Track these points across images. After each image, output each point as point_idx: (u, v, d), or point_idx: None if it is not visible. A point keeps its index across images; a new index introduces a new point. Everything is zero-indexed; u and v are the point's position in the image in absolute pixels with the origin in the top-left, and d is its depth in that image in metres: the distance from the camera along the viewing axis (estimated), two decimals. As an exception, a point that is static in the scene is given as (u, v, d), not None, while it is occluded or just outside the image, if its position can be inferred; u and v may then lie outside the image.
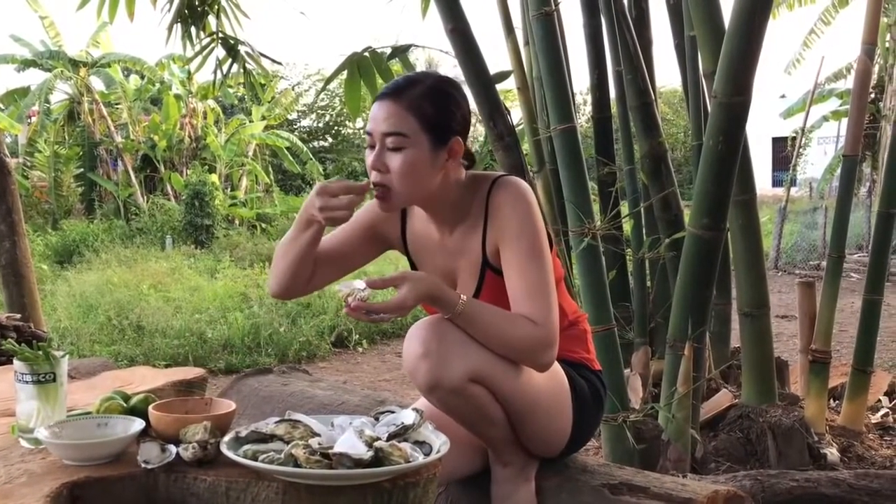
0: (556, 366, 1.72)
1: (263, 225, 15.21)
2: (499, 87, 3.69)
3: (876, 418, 3.69)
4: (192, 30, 4.11)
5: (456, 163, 1.68)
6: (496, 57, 3.94)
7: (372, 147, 1.64)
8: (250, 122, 16.81)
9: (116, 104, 16.38)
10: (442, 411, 1.62)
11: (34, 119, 15.84)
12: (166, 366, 5.58)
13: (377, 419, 1.47)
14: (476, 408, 1.60)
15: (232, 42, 4.15)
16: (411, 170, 1.61)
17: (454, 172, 1.69)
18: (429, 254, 1.79)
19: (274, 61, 4.55)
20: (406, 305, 1.50)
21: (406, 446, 1.34)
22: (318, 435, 1.38)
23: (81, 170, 15.90)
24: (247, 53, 4.23)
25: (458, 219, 1.72)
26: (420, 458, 1.32)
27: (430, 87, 1.64)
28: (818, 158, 19.26)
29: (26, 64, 15.61)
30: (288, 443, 1.36)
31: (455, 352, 1.53)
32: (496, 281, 1.68)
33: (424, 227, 1.78)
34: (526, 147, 3.99)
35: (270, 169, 18.06)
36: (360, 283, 1.47)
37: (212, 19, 4.16)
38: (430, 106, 1.62)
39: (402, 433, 1.39)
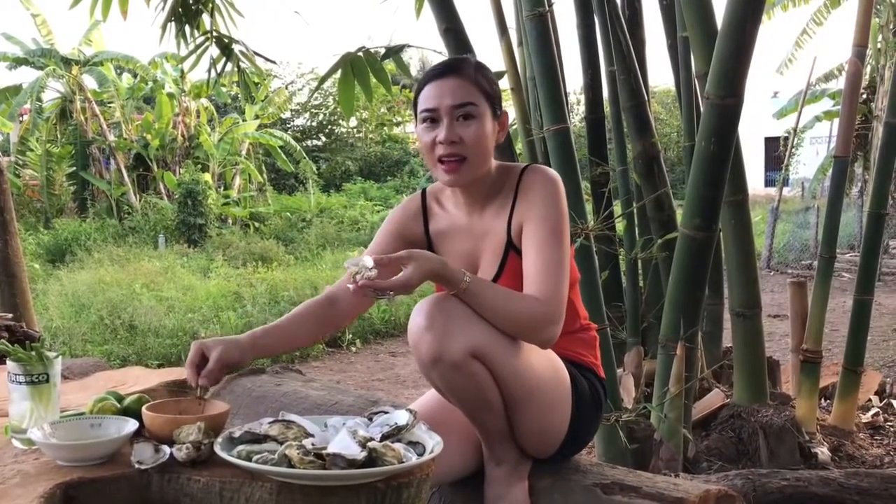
0: (560, 362, 1.73)
1: (257, 224, 15.20)
2: (492, 87, 3.69)
3: (866, 418, 3.72)
4: (186, 28, 4.10)
5: (503, 137, 1.76)
6: (490, 57, 3.94)
7: (432, 122, 1.69)
8: (244, 120, 16.79)
9: (109, 103, 16.33)
10: (442, 390, 1.64)
11: (26, 117, 15.79)
12: (159, 365, 5.58)
13: (371, 420, 1.47)
14: (475, 387, 1.60)
15: (226, 41, 4.14)
16: (484, 137, 1.69)
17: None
18: (453, 239, 1.82)
19: (268, 60, 4.55)
20: (411, 283, 1.51)
21: (399, 447, 1.34)
22: (312, 435, 1.39)
23: (74, 168, 15.86)
24: (241, 52, 4.22)
25: (488, 200, 1.77)
26: (413, 459, 1.33)
27: (478, 65, 1.74)
28: (810, 158, 19.33)
29: (18, 62, 15.55)
30: (282, 443, 1.36)
31: (459, 326, 1.55)
32: (518, 263, 1.71)
33: (450, 214, 1.83)
34: (519, 147, 4.00)
35: (264, 168, 18.05)
36: (368, 261, 1.50)
37: (206, 18, 4.15)
38: (485, 79, 1.72)
39: (395, 434, 1.39)
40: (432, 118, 1.69)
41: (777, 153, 18.16)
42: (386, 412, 1.49)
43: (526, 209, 1.71)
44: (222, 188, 16.55)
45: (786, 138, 15.03)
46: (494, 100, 1.72)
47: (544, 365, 1.68)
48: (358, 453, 1.28)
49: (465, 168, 1.69)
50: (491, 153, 1.73)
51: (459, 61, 1.75)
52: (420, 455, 1.36)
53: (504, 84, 4.00)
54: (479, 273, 1.76)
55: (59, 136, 16.44)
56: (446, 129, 1.67)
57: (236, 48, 4.21)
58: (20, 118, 15.81)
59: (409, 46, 3.70)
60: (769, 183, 21.73)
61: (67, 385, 2.02)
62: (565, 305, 1.64)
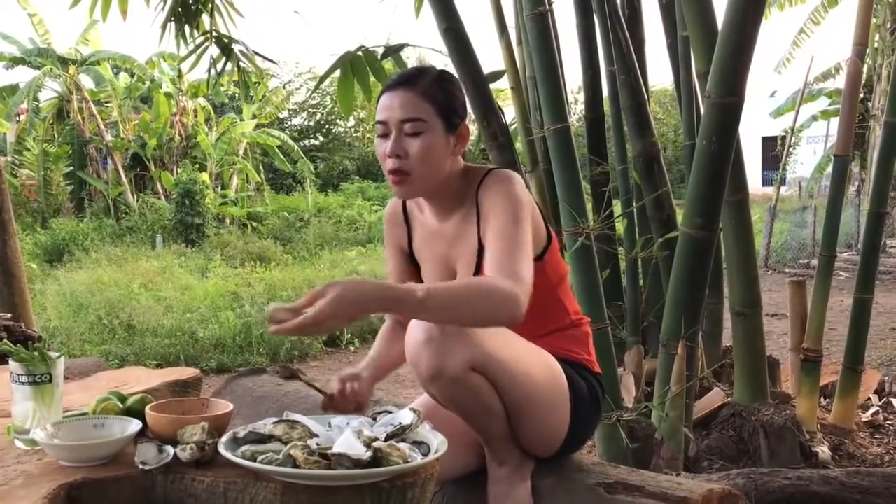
0: (555, 363, 1.73)
1: (254, 223, 15.19)
2: (491, 86, 3.70)
3: (866, 416, 3.72)
4: (186, 28, 4.10)
5: (462, 149, 1.73)
6: (489, 56, 3.94)
7: (384, 136, 1.67)
8: (241, 120, 16.77)
9: (106, 102, 16.30)
10: (442, 402, 1.63)
11: (23, 117, 15.75)
12: (157, 365, 5.57)
13: (374, 419, 1.47)
14: (476, 398, 1.61)
15: (226, 41, 4.14)
16: (430, 153, 1.65)
17: (457, 158, 1.73)
18: (430, 244, 1.81)
19: (268, 60, 4.54)
20: (320, 319, 1.34)
21: (404, 446, 1.34)
22: (317, 435, 1.38)
23: (71, 168, 15.83)
24: (240, 52, 4.22)
25: (454, 207, 1.76)
26: (418, 459, 1.32)
27: (437, 76, 1.70)
28: (807, 157, 19.36)
29: (15, 61, 15.51)
30: (286, 443, 1.35)
31: (457, 340, 1.54)
32: None
33: (426, 218, 1.82)
34: (519, 146, 3.99)
35: (261, 167, 18.04)
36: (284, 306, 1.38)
37: (205, 18, 4.15)
38: (441, 92, 1.67)
39: (399, 433, 1.39)
40: (384, 131, 1.67)
41: (774, 152, 18.16)
42: (390, 412, 1.49)
43: (486, 213, 1.68)
44: (220, 188, 16.54)
45: (783, 137, 15.06)
46: (451, 113, 1.68)
47: (542, 369, 1.69)
48: (363, 453, 1.27)
49: (410, 182, 1.67)
50: (442, 167, 1.68)
51: (417, 73, 1.71)
52: (425, 455, 1.35)
53: (504, 83, 4.01)
54: (456, 277, 1.75)
55: (55, 135, 16.42)
56: (392, 142, 1.65)
57: (236, 48, 4.21)
58: (17, 118, 15.79)
59: (409, 46, 3.70)
60: (766, 182, 21.75)
61: (68, 385, 2.01)
62: (530, 283, 1.56)
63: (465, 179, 1.74)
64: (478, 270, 1.73)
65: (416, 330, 1.56)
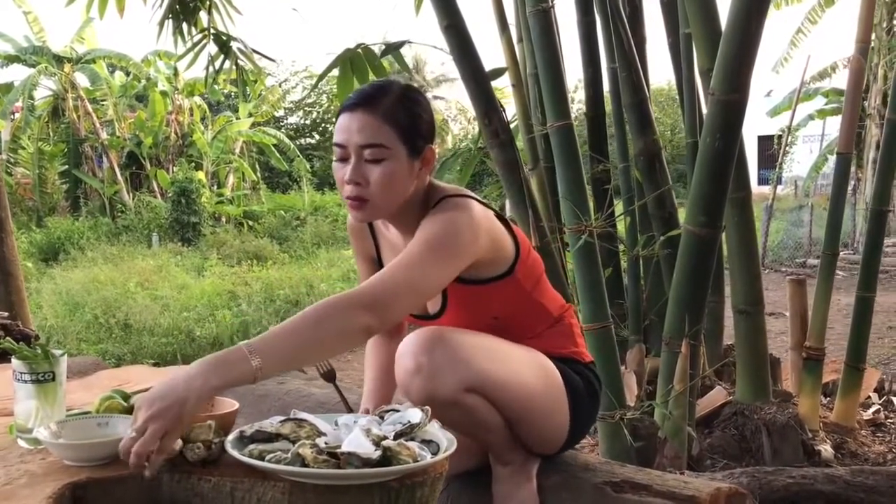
0: (549, 364, 1.71)
1: (250, 222, 15.17)
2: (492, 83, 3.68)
3: (867, 415, 3.72)
4: (184, 26, 4.08)
5: (427, 172, 1.64)
6: (490, 54, 3.93)
7: (343, 160, 1.58)
8: (237, 119, 16.75)
9: (102, 101, 16.27)
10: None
11: (17, 115, 15.70)
12: (155, 364, 5.55)
13: (382, 418, 1.45)
14: (473, 417, 1.58)
15: (224, 38, 4.12)
16: (392, 181, 1.56)
17: (421, 181, 1.65)
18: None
19: (266, 58, 4.52)
20: (153, 427, 1.25)
21: (413, 445, 1.32)
22: (324, 434, 1.36)
23: (66, 167, 15.81)
24: (239, 50, 4.20)
25: (414, 227, 1.64)
26: (428, 457, 1.31)
27: (400, 96, 1.59)
28: (804, 157, 19.40)
29: (9, 59, 15.47)
30: (293, 442, 1.33)
31: (446, 365, 1.50)
32: (458, 289, 1.64)
33: (389, 235, 1.77)
34: (520, 144, 3.98)
35: (257, 166, 18.01)
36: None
37: (203, 15, 4.13)
38: (404, 114, 1.57)
39: (408, 432, 1.37)
40: (342, 155, 1.58)
41: (770, 151, 18.17)
42: (397, 410, 1.47)
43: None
44: (216, 186, 16.51)
45: (779, 137, 15.07)
46: (414, 137, 1.57)
47: (537, 374, 1.66)
48: (373, 452, 1.26)
49: (368, 209, 1.59)
50: (404, 193, 1.59)
51: (378, 91, 1.58)
52: (434, 453, 1.33)
53: (505, 81, 4.00)
54: (428, 302, 1.69)
55: (51, 134, 16.39)
56: (351, 170, 1.55)
57: (234, 46, 4.19)
58: (12, 116, 15.73)
59: (410, 43, 3.68)
60: (762, 181, 21.78)
61: (69, 384, 1.98)
62: (393, 302, 1.47)
63: (427, 200, 1.65)
64: (444, 292, 1.68)
65: (405, 358, 1.52)
